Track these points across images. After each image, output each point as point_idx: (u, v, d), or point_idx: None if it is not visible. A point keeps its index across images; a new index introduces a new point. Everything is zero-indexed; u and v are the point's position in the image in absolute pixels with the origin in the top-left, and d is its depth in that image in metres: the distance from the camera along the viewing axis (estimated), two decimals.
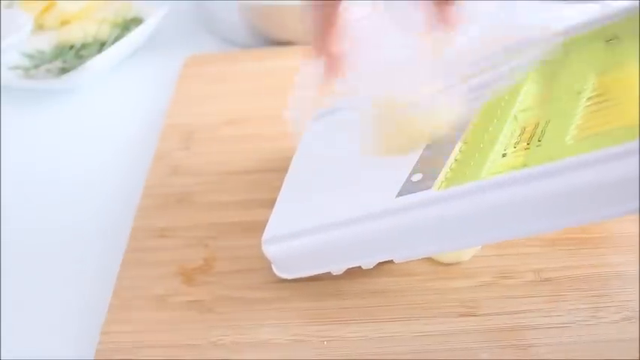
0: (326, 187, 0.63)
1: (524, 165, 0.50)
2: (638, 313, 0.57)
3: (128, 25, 1.04)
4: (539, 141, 0.51)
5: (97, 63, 0.94)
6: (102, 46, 1.00)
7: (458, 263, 0.62)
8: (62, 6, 1.06)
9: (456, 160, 0.56)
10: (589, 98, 0.52)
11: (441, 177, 0.54)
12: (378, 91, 0.60)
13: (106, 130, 0.90)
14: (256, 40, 0.99)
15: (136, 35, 0.99)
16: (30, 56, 1.00)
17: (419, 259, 0.62)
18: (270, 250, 0.61)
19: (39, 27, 1.06)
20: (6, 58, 0.98)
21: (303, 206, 0.63)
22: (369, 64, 0.59)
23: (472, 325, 0.58)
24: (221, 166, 0.77)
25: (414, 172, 0.57)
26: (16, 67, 0.98)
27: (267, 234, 0.62)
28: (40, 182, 0.82)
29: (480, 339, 0.57)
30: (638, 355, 0.54)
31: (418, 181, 0.56)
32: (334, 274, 0.61)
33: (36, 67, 0.98)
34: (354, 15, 0.58)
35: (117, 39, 1.00)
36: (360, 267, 0.60)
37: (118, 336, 0.61)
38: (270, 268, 0.63)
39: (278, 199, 0.65)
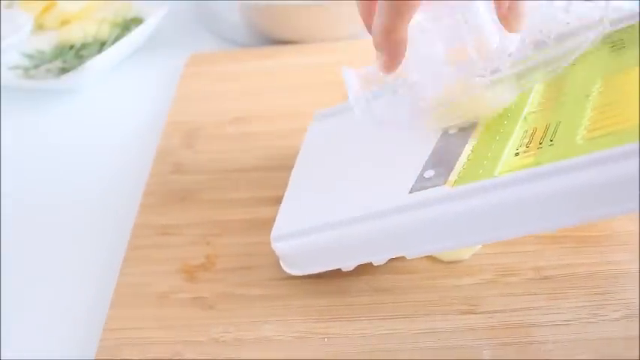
0: (335, 183, 0.64)
1: (538, 163, 0.51)
2: (638, 311, 0.57)
3: (128, 25, 1.04)
4: (552, 141, 0.52)
5: (97, 63, 0.94)
6: (102, 46, 1.00)
7: (459, 261, 0.62)
8: (62, 6, 1.06)
9: (468, 158, 0.56)
10: (596, 101, 0.53)
11: (454, 174, 0.55)
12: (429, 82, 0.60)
13: (106, 129, 0.90)
14: (256, 40, 0.99)
15: (136, 35, 0.99)
16: (30, 56, 1.00)
17: (420, 257, 0.62)
18: (279, 247, 0.61)
19: (39, 27, 1.06)
20: (6, 58, 0.98)
21: (312, 203, 0.63)
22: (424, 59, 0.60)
23: (474, 323, 0.58)
24: (224, 163, 0.77)
25: (425, 168, 0.57)
26: (16, 67, 0.98)
27: (276, 231, 0.62)
28: (41, 182, 0.82)
29: (482, 336, 0.57)
30: (638, 354, 0.54)
31: (431, 178, 0.56)
32: (344, 270, 0.61)
33: (36, 67, 0.98)
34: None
35: (117, 39, 1.00)
36: (363, 264, 0.60)
37: (121, 332, 0.61)
38: (273, 266, 0.63)
39: (285, 196, 0.66)
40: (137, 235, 0.70)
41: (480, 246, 0.63)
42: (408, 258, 0.58)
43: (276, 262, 0.63)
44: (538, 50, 0.59)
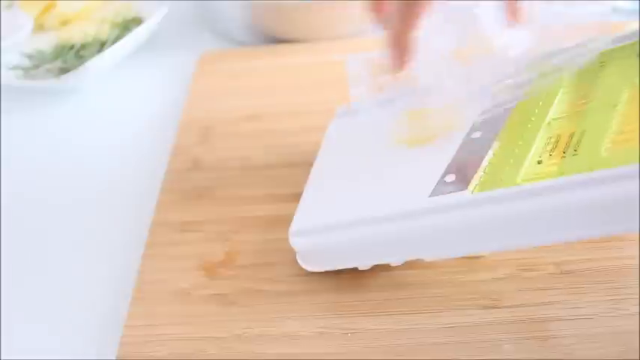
0: (355, 182, 0.63)
1: (561, 173, 0.51)
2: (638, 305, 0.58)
3: (128, 25, 1.03)
4: (576, 151, 0.52)
5: (97, 63, 0.93)
6: (102, 46, 0.99)
7: (480, 256, 0.62)
8: (62, 6, 1.05)
9: (490, 163, 0.56)
10: (623, 111, 0.53)
11: (475, 180, 0.55)
12: (430, 85, 0.62)
13: (106, 129, 0.90)
14: (258, 38, 0.99)
15: (136, 35, 0.98)
16: (30, 56, 1.00)
17: None
18: (297, 242, 0.62)
19: (39, 27, 1.05)
20: (6, 58, 0.97)
21: (331, 200, 0.63)
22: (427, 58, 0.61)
23: (495, 317, 0.58)
24: (240, 160, 0.77)
25: (447, 172, 0.57)
26: (16, 67, 0.98)
27: (294, 226, 0.62)
28: (42, 182, 0.82)
29: (503, 331, 0.57)
30: None
31: (451, 182, 0.56)
32: (361, 269, 0.61)
33: (36, 67, 0.98)
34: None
35: (117, 39, 0.99)
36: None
37: (142, 329, 0.61)
38: (293, 262, 0.63)
39: (305, 192, 0.66)
40: (156, 232, 0.69)
41: None
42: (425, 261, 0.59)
43: (296, 258, 0.63)
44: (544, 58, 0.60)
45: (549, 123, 0.57)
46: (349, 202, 0.62)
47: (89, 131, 0.90)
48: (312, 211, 0.64)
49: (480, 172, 0.55)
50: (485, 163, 0.56)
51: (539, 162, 0.53)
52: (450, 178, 0.57)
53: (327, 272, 0.62)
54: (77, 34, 1.01)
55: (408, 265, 0.62)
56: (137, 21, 1.04)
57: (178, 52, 1.00)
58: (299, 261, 0.63)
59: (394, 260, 0.60)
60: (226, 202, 0.72)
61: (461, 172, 0.57)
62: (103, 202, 0.78)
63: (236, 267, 0.65)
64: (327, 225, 0.61)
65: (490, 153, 0.57)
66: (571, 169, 0.51)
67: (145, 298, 0.64)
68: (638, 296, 0.58)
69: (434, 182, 0.57)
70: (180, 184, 0.75)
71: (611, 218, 0.48)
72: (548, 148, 0.54)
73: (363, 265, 0.61)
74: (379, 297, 0.61)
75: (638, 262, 0.61)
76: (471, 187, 0.54)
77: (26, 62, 0.99)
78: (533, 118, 0.58)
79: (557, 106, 0.58)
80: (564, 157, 0.52)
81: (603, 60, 0.59)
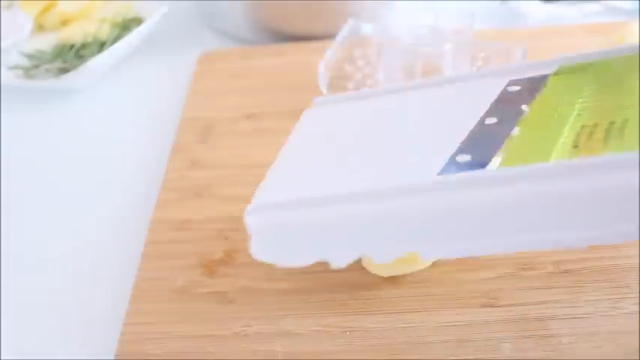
0: (334, 160, 0.58)
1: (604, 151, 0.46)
2: (638, 304, 0.58)
3: (128, 25, 1.03)
4: (621, 134, 0.47)
5: (97, 63, 0.93)
6: (102, 46, 0.99)
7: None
8: (62, 6, 1.05)
9: (514, 145, 0.50)
10: None
11: (497, 159, 0.49)
12: None
13: (107, 129, 0.90)
14: (259, 36, 0.99)
15: (136, 35, 0.98)
16: (30, 56, 1.00)
17: None
18: (253, 222, 0.55)
19: (39, 27, 1.05)
20: (6, 58, 0.97)
21: (305, 175, 0.57)
22: None
23: (494, 316, 0.58)
24: (239, 159, 0.77)
25: (459, 152, 0.51)
26: (16, 67, 0.98)
27: (252, 203, 0.56)
28: (43, 181, 0.82)
29: (502, 329, 0.57)
30: None
31: (467, 162, 0.50)
32: (334, 267, 0.55)
33: (36, 67, 0.98)
34: None
35: (117, 39, 0.99)
36: None
37: (141, 327, 0.61)
38: None
39: (269, 171, 0.60)
40: (155, 230, 0.70)
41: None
42: (421, 257, 0.58)
43: None
44: None
45: (579, 114, 0.51)
46: (326, 177, 0.55)
47: (89, 131, 0.90)
48: (277, 186, 0.57)
49: (501, 154, 0.50)
50: (506, 146, 0.50)
51: (576, 146, 0.48)
52: (464, 158, 0.50)
53: (323, 270, 0.61)
54: (77, 34, 1.01)
55: None
56: (137, 21, 1.04)
57: (178, 52, 1.00)
58: (251, 249, 0.56)
59: (381, 251, 0.52)
60: (226, 201, 0.72)
61: (478, 153, 0.50)
62: (103, 200, 0.78)
63: (235, 265, 0.65)
64: (296, 200, 0.53)
65: (511, 138, 0.51)
66: (616, 148, 0.45)
67: (144, 296, 0.64)
68: (637, 295, 0.58)
69: (441, 162, 0.50)
70: (179, 182, 0.75)
71: None
72: (586, 131, 0.49)
73: (337, 259, 0.54)
74: (378, 295, 0.61)
75: (637, 261, 0.61)
76: (493, 164, 0.49)
77: (26, 62, 0.99)
78: (559, 109, 0.52)
79: (586, 99, 0.53)
80: (606, 142, 0.47)
81: (631, 61, 0.55)
